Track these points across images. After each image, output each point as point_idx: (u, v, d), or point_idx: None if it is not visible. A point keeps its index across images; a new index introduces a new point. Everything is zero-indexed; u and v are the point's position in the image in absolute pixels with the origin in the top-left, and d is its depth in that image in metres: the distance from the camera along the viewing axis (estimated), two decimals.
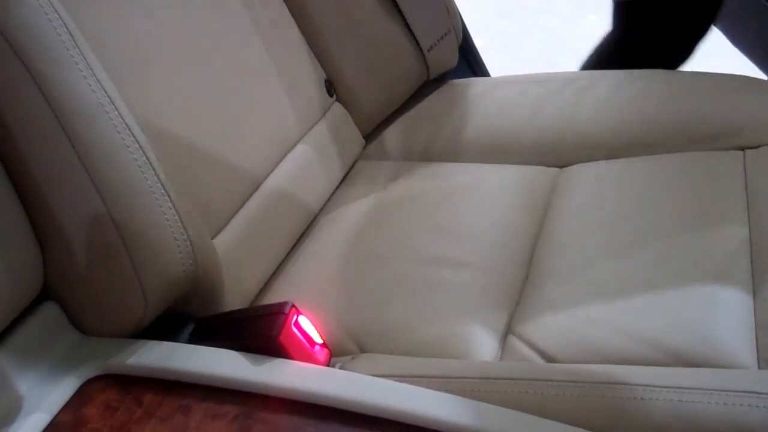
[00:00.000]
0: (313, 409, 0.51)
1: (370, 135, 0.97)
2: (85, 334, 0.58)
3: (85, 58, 0.55)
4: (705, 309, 0.67)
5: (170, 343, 0.57)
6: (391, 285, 0.73)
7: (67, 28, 0.54)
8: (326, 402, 0.51)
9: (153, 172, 0.57)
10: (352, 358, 0.67)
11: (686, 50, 1.08)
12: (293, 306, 0.57)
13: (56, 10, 0.54)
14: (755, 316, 0.67)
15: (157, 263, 0.56)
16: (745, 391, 0.53)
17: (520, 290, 0.72)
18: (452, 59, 1.00)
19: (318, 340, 0.58)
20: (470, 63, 1.21)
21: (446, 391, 0.54)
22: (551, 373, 0.58)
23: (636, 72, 0.94)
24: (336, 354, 0.65)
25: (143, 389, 0.54)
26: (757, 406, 0.52)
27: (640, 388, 0.56)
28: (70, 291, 0.57)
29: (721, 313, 0.67)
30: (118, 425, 0.51)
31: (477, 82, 1.02)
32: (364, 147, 0.95)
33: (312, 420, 0.50)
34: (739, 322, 0.66)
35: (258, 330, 0.56)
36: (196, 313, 0.62)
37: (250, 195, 0.75)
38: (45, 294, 0.58)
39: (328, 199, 0.87)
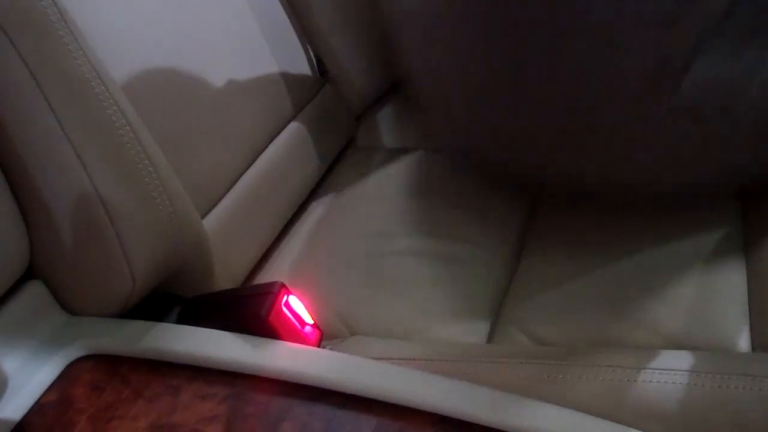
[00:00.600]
0: (304, 389, 0.50)
1: (364, 117, 0.96)
2: (72, 314, 0.57)
3: (71, 31, 0.54)
4: (700, 294, 0.67)
5: (158, 323, 0.56)
6: (381, 268, 0.72)
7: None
8: (317, 383, 0.51)
9: (141, 148, 0.56)
10: (342, 341, 0.66)
11: None
12: (283, 286, 0.56)
13: None
14: (749, 300, 0.67)
15: (144, 241, 0.55)
16: (738, 374, 0.53)
17: (511, 273, 0.72)
18: None
19: (309, 320, 0.58)
20: None
21: (437, 373, 0.53)
22: (543, 356, 0.58)
23: None
24: (326, 337, 0.64)
25: (130, 369, 0.53)
26: (750, 389, 0.52)
27: (633, 370, 0.55)
28: (57, 270, 0.56)
29: (716, 298, 0.67)
30: (105, 405, 0.51)
31: None
32: (357, 129, 0.95)
33: (302, 401, 0.50)
34: (733, 306, 0.66)
35: (247, 310, 0.55)
36: (184, 293, 0.61)
37: (240, 176, 0.74)
38: (31, 273, 0.57)
39: (320, 181, 0.87)
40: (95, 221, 0.53)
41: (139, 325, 0.56)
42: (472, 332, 0.65)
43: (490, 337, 0.66)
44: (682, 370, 0.54)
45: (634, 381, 0.55)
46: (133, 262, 0.54)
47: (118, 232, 0.54)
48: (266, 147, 0.78)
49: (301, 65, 0.86)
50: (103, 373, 0.53)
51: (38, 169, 0.53)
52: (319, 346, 0.58)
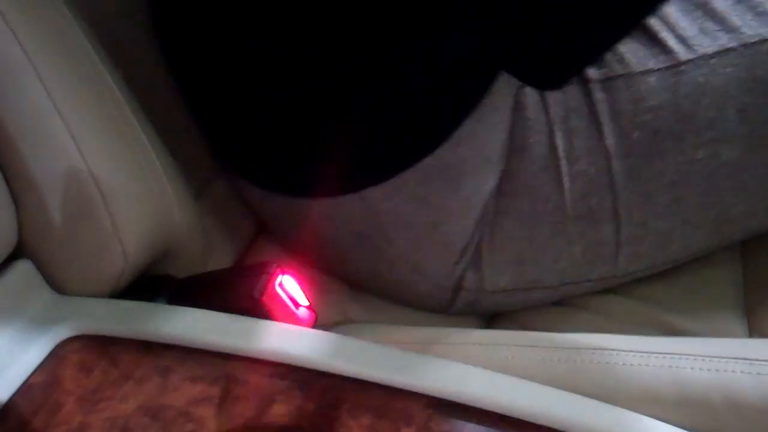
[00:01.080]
0: (297, 371, 0.50)
1: None
2: (61, 294, 0.56)
3: (63, 5, 0.53)
4: (693, 281, 0.67)
5: (149, 303, 0.55)
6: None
7: None
8: (310, 364, 0.50)
9: (134, 126, 0.55)
10: (336, 324, 0.66)
11: None
12: (278, 265, 0.55)
13: None
14: (744, 287, 0.67)
15: (136, 220, 0.54)
16: (735, 358, 0.53)
17: None
18: None
19: (304, 302, 0.57)
20: None
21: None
22: (536, 340, 0.58)
23: None
24: (320, 322, 0.63)
25: (120, 350, 0.52)
26: (749, 373, 0.51)
27: (629, 354, 0.55)
28: (46, 248, 0.55)
29: (712, 285, 0.67)
30: (94, 386, 0.50)
31: None
32: None
33: (297, 383, 0.49)
34: (729, 293, 0.66)
35: (240, 290, 0.54)
36: (176, 274, 0.60)
37: None
38: (19, 251, 0.56)
39: None
40: (86, 198, 0.52)
41: (130, 305, 0.55)
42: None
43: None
44: (679, 354, 0.54)
45: (630, 365, 0.55)
46: (124, 240, 0.53)
47: (109, 209, 0.53)
48: None
49: None
50: (91, 354, 0.52)
51: (28, 145, 0.52)
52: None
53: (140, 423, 0.47)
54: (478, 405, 0.47)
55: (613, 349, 0.56)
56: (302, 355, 0.50)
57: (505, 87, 0.58)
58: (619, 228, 0.60)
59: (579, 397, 0.48)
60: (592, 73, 0.59)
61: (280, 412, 0.48)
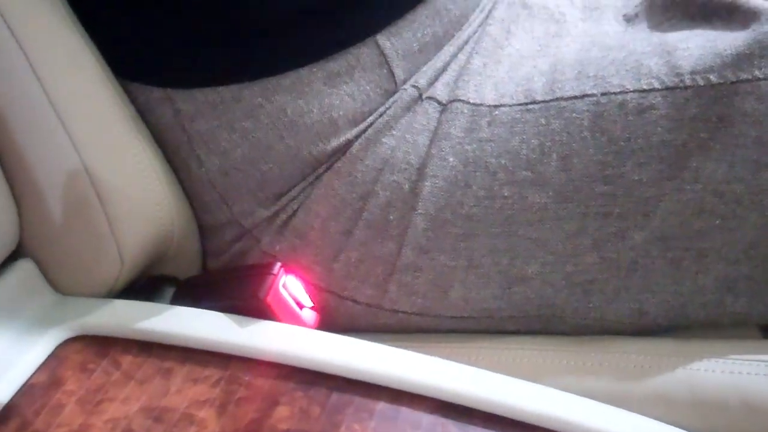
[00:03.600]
0: (300, 372, 0.49)
1: None
2: (62, 294, 0.55)
3: (60, 4, 0.53)
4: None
5: (151, 303, 0.55)
6: None
7: None
8: (314, 366, 0.49)
9: (131, 125, 0.55)
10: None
11: None
12: (282, 266, 0.54)
13: None
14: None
15: (133, 220, 0.54)
16: (751, 359, 0.51)
17: None
18: None
19: (307, 303, 0.56)
20: None
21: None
22: (546, 342, 0.56)
23: None
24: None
25: (122, 351, 0.51)
26: (764, 375, 0.50)
27: (641, 356, 0.54)
28: (46, 248, 0.55)
29: None
30: (95, 387, 0.49)
31: None
32: None
33: (299, 384, 0.48)
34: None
35: (244, 290, 0.53)
36: (178, 274, 0.60)
37: None
38: (21, 251, 0.55)
39: None
40: (83, 198, 0.52)
41: (131, 305, 0.54)
42: None
43: None
44: (692, 356, 0.53)
45: (642, 367, 0.53)
46: (121, 241, 0.53)
47: (106, 210, 0.52)
48: None
49: None
50: (92, 355, 0.51)
51: (27, 144, 0.52)
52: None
53: (143, 425, 0.47)
54: (488, 409, 0.46)
55: (624, 351, 0.55)
56: (306, 357, 0.49)
57: (373, 59, 0.57)
58: (400, 250, 0.56)
59: (591, 401, 0.47)
60: (442, 94, 0.57)
61: (283, 414, 0.47)
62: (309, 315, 0.55)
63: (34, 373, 0.50)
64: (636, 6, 0.63)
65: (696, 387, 0.52)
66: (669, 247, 0.54)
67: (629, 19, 0.63)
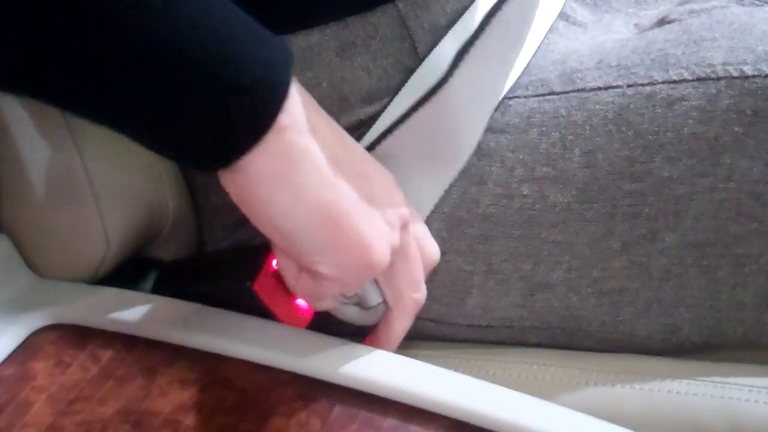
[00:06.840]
0: (300, 380, 0.44)
1: None
2: (40, 276, 0.51)
3: None
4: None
5: (136, 292, 0.50)
6: None
7: None
8: (315, 373, 0.44)
9: None
10: None
11: None
12: (272, 249, 0.48)
13: None
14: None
15: (123, 199, 0.50)
16: (738, 384, 0.49)
17: None
18: None
19: None
20: None
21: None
22: (569, 359, 0.52)
23: None
24: None
25: (102, 344, 0.46)
26: (755, 401, 0.48)
27: (675, 381, 0.50)
28: (24, 224, 0.50)
29: None
30: (70, 384, 0.44)
31: None
32: None
33: (301, 394, 0.43)
34: None
35: (230, 276, 0.48)
36: (165, 258, 0.55)
37: None
38: None
39: None
40: (67, 171, 0.48)
41: (114, 293, 0.49)
42: None
43: None
44: (731, 383, 0.49)
45: (677, 392, 0.50)
46: (107, 221, 0.49)
47: (94, 188, 0.48)
48: None
49: None
50: (69, 347, 0.46)
51: (12, 116, 0.47)
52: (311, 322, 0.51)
53: (119, 430, 0.42)
54: (507, 431, 0.41)
55: (657, 375, 0.50)
56: (308, 363, 0.44)
57: (394, 30, 0.51)
58: None
59: (618, 428, 0.43)
60: None
61: (280, 426, 0.42)
62: (304, 305, 0.49)
63: (1, 364, 0.45)
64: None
65: (735, 418, 0.48)
66: (704, 254, 0.50)
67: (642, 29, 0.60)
